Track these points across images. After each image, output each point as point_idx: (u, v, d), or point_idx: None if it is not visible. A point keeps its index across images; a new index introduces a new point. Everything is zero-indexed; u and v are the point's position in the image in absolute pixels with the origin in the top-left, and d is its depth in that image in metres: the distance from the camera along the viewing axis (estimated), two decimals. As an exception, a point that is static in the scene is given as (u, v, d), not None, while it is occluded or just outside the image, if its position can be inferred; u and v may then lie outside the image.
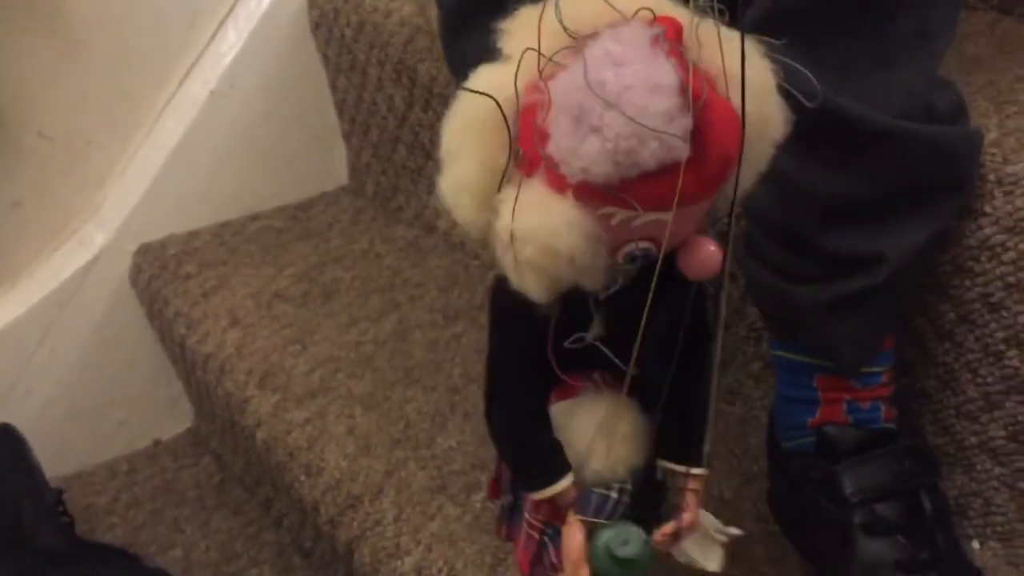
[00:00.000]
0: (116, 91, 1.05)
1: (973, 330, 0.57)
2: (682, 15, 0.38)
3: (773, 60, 0.39)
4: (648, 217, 0.38)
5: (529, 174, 0.39)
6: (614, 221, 0.39)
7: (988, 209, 0.53)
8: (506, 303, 0.48)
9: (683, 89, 0.36)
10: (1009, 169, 0.53)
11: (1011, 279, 0.53)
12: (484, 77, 0.41)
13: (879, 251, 0.52)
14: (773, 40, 0.39)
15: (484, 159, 0.39)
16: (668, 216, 0.38)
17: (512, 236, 0.39)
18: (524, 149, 0.39)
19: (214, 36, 1.08)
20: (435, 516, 0.70)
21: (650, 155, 0.36)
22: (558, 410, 0.50)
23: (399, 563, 0.69)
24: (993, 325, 0.56)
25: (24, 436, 0.90)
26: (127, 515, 1.03)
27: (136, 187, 1.07)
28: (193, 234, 1.09)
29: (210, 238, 1.09)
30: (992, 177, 0.53)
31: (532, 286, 0.41)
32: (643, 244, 0.40)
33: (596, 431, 0.47)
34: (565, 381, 0.49)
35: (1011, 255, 0.53)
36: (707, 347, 0.51)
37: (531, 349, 0.47)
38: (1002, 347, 0.56)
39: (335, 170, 1.19)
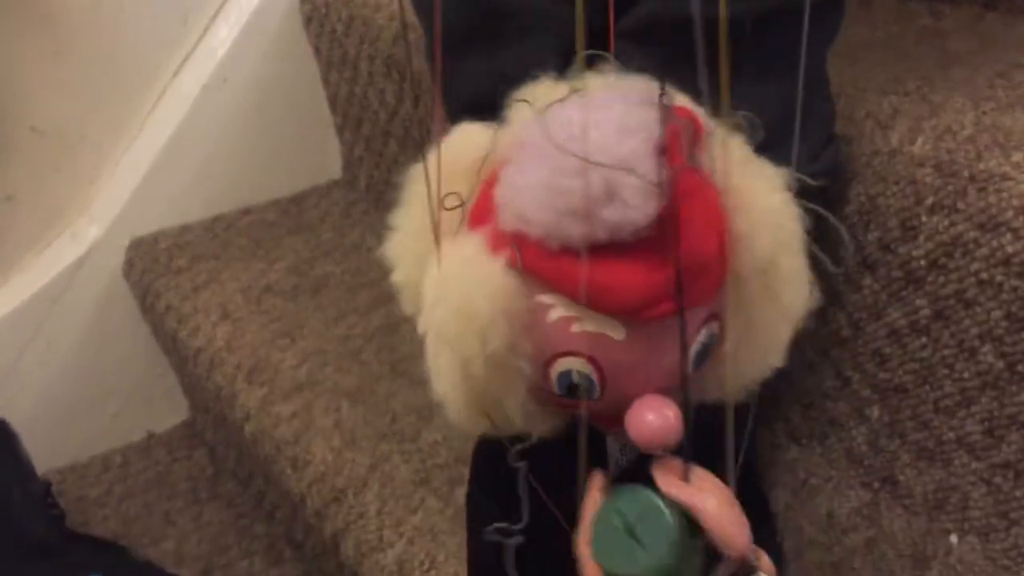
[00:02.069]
0: (109, 86, 1.06)
1: (948, 326, 0.57)
2: (717, 125, 0.33)
3: (809, 212, 0.34)
4: (590, 323, 0.32)
5: (474, 227, 0.34)
6: (551, 316, 0.32)
7: (961, 206, 0.53)
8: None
9: (659, 148, 0.30)
10: (982, 166, 0.53)
11: (984, 276, 0.53)
12: (466, 130, 0.37)
13: None
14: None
15: (428, 208, 0.34)
16: (618, 332, 0.32)
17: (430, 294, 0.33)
18: (479, 199, 0.34)
19: (206, 31, 1.08)
20: (418, 509, 0.71)
21: (592, 199, 0.30)
22: None
23: (382, 555, 0.69)
24: (967, 321, 0.56)
25: (15, 430, 0.90)
26: (120, 507, 1.04)
27: (129, 181, 1.08)
28: (185, 228, 1.10)
29: (202, 232, 1.09)
30: (966, 174, 0.53)
31: (444, 379, 0.35)
32: (581, 365, 0.32)
33: None
34: None
35: (983, 252, 0.53)
36: (767, 534, 0.44)
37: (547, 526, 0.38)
38: (976, 343, 0.56)
39: (328, 164, 1.19)
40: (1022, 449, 0.57)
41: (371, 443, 0.77)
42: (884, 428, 0.64)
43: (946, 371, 0.59)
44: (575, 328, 0.32)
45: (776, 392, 0.71)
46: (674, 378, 0.33)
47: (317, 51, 1.09)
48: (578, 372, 0.33)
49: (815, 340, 0.67)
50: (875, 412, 0.65)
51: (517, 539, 0.38)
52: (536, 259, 0.32)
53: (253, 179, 1.14)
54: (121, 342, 1.11)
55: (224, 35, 1.08)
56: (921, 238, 0.56)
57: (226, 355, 0.91)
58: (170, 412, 1.16)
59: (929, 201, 0.55)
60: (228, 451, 1.05)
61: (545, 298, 0.32)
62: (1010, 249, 0.51)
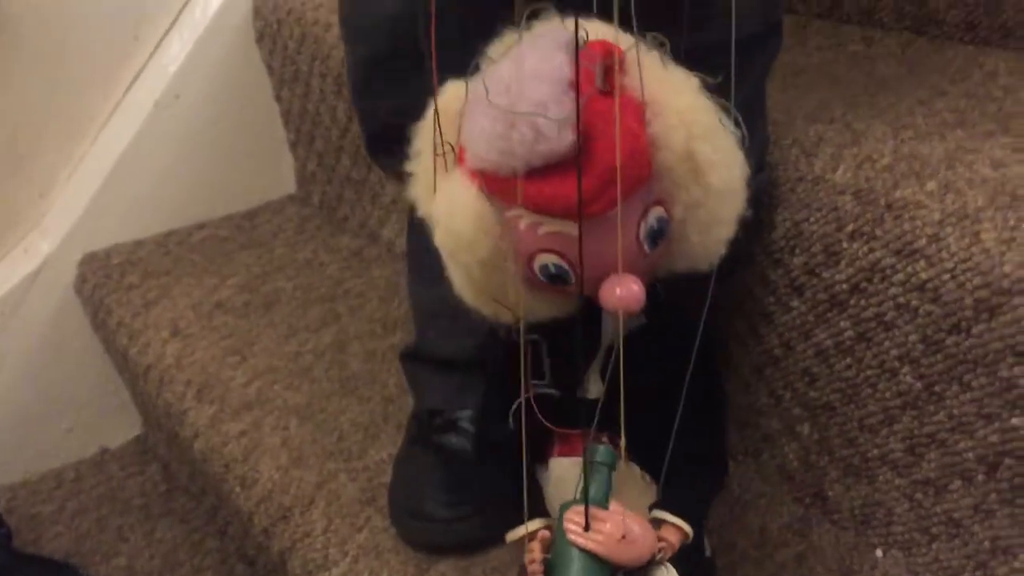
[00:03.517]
0: (61, 101, 1.06)
1: (871, 347, 0.59)
2: (630, 46, 0.40)
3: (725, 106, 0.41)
4: (552, 226, 0.40)
5: (460, 163, 0.42)
6: (522, 224, 0.40)
7: (879, 233, 0.55)
8: (499, 355, 0.49)
9: (568, 84, 0.37)
10: (898, 194, 0.55)
11: (901, 300, 0.55)
12: (449, 86, 0.43)
13: None
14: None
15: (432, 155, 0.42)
16: (572, 229, 0.39)
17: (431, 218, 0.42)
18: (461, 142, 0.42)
19: (158, 46, 1.08)
20: (363, 528, 0.72)
21: (519, 141, 0.37)
22: (557, 465, 0.50)
23: (327, 574, 0.70)
24: (887, 343, 0.58)
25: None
26: (72, 524, 1.04)
27: (81, 196, 1.08)
28: (138, 243, 1.10)
29: (155, 247, 1.09)
30: (883, 202, 0.55)
31: (456, 280, 0.43)
32: (553, 259, 0.41)
33: None
34: (569, 438, 0.49)
35: (900, 277, 0.55)
36: (714, 405, 0.51)
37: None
38: (896, 364, 0.58)
39: (283, 179, 1.20)
40: (941, 466, 0.59)
41: (318, 461, 0.78)
42: (814, 445, 0.66)
43: (869, 391, 0.61)
44: (541, 231, 0.40)
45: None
46: (633, 258, 0.41)
47: (270, 68, 1.10)
48: (553, 264, 0.41)
49: (750, 360, 0.69)
50: (805, 429, 0.66)
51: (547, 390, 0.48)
52: (497, 185, 0.40)
53: (207, 194, 1.15)
54: (74, 357, 1.11)
55: (176, 51, 1.08)
56: (843, 263, 0.58)
57: (176, 372, 0.91)
58: (123, 427, 1.16)
59: (849, 228, 0.57)
60: (181, 467, 1.05)
61: (513, 212, 0.40)
62: (924, 275, 0.53)
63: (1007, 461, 0.55)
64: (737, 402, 0.71)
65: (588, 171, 0.38)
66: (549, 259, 0.41)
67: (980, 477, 0.57)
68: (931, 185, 0.54)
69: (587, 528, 0.43)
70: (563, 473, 0.50)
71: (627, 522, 0.43)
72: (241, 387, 0.88)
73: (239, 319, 0.97)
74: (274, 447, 0.81)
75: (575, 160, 0.38)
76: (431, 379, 0.74)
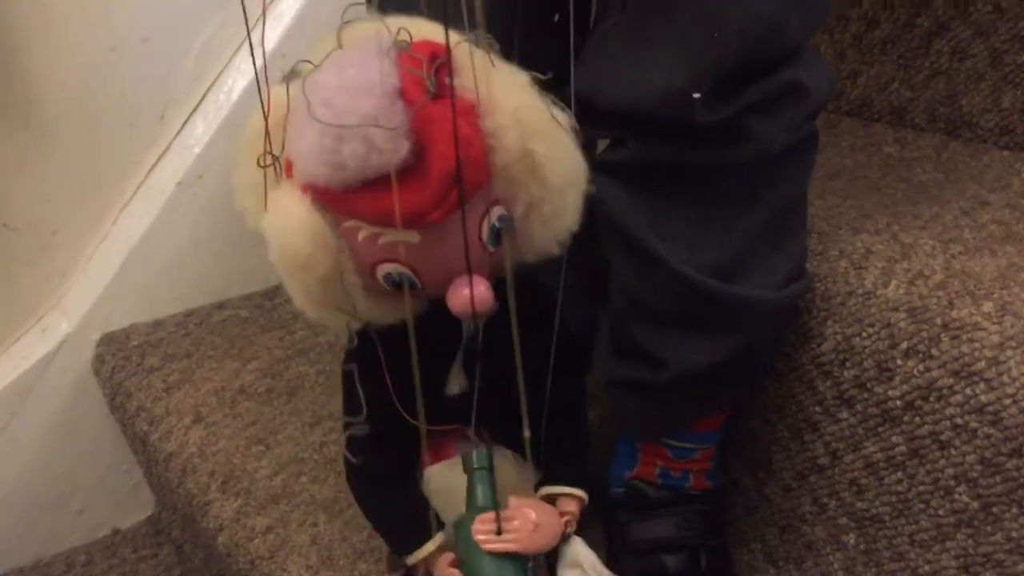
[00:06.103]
0: (84, 181, 1.06)
1: (924, 464, 0.58)
2: (457, 44, 0.39)
3: (560, 104, 0.40)
4: (392, 236, 0.38)
5: (289, 175, 0.40)
6: (360, 236, 0.39)
7: (935, 352, 0.55)
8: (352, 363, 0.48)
9: (397, 93, 0.36)
10: (954, 314, 0.55)
11: (958, 420, 0.55)
12: (273, 93, 0.41)
13: (663, 357, 0.56)
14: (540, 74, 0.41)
15: (256, 166, 0.41)
16: (413, 237, 0.38)
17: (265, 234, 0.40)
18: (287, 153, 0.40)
19: (182, 128, 1.09)
20: (397, 634, 0.70)
21: (351, 155, 0.36)
22: (432, 474, 0.50)
23: None
24: (943, 462, 0.57)
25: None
26: (84, 611, 1.02)
27: (101, 276, 1.07)
28: (158, 323, 1.09)
29: (174, 328, 1.08)
30: (939, 321, 0.55)
31: (295, 297, 0.41)
32: (396, 267, 0.40)
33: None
34: (436, 441, 0.49)
35: (958, 398, 0.54)
36: (577, 382, 0.54)
37: (384, 412, 0.47)
38: (952, 483, 0.57)
39: (302, 256, 1.19)
40: (997, 586, 0.58)
41: (348, 562, 0.77)
42: (860, 556, 0.65)
43: (922, 506, 0.60)
44: (381, 241, 0.39)
45: (754, 513, 0.72)
46: (478, 259, 0.40)
47: (293, 149, 1.10)
48: (397, 272, 0.40)
49: (792, 465, 0.68)
50: (851, 539, 0.66)
51: (362, 428, 0.48)
52: (330, 198, 0.38)
53: (226, 272, 1.14)
54: (88, 438, 1.10)
55: (200, 132, 1.08)
56: (897, 380, 0.57)
57: (199, 462, 0.90)
58: (136, 507, 1.15)
59: (904, 346, 0.56)
60: (196, 549, 1.03)
61: (350, 224, 0.39)
62: (984, 399, 0.53)
63: (1068, 586, 0.54)
64: (779, 506, 0.70)
65: (425, 179, 0.37)
66: (392, 268, 0.40)
67: (1039, 600, 0.56)
68: (988, 306, 0.54)
69: (499, 532, 0.43)
70: (444, 482, 0.50)
71: (532, 512, 0.44)
72: (267, 479, 0.87)
73: (262, 406, 0.96)
74: (303, 545, 0.79)
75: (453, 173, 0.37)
76: None
